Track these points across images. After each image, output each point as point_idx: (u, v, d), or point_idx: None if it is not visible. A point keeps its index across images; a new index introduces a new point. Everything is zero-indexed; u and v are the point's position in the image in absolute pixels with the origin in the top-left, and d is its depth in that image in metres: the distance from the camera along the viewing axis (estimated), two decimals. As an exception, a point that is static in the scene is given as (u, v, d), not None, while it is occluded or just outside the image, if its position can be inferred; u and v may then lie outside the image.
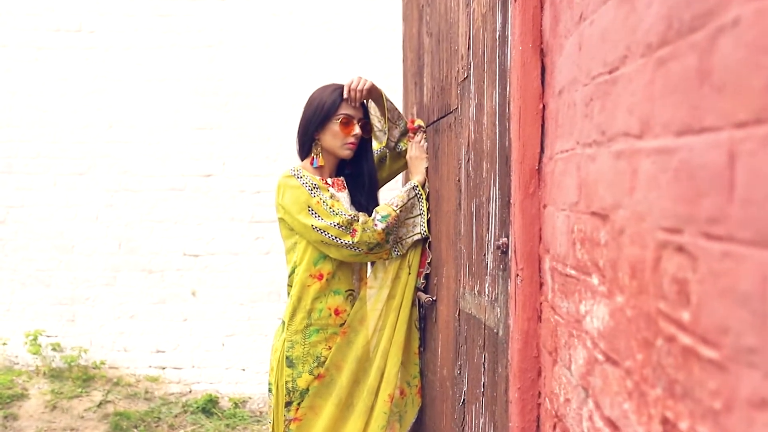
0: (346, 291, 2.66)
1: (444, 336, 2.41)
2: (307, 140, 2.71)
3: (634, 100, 0.91)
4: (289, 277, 2.71)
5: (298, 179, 2.61)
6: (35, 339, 5.09)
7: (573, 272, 1.24)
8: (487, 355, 1.81)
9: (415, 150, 2.77)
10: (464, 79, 2.12)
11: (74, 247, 5.27)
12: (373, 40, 5.33)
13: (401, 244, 2.68)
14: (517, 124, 1.51)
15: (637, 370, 0.90)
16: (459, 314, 2.17)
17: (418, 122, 2.82)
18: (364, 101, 2.75)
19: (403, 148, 2.83)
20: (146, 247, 5.29)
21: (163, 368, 5.29)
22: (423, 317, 2.75)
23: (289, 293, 2.71)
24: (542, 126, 1.50)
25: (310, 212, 2.56)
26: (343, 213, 2.55)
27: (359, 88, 2.62)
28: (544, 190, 1.48)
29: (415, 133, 2.81)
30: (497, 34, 1.73)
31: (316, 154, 2.73)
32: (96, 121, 5.28)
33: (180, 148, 5.29)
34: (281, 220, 2.69)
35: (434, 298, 2.55)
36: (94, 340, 5.27)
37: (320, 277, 2.62)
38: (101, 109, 5.28)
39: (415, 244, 2.70)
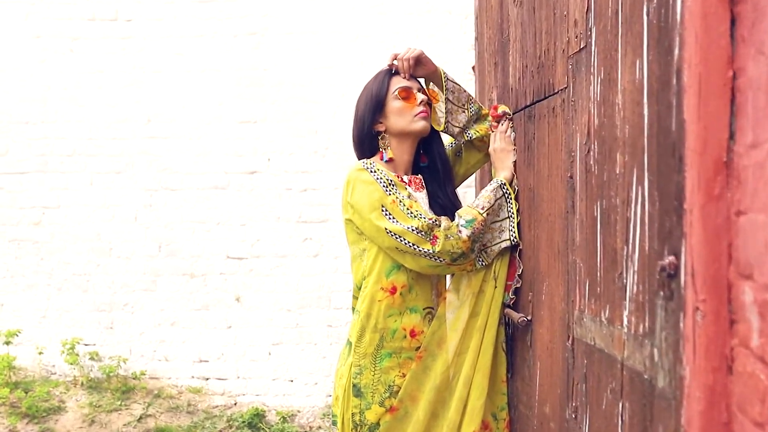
0: (424, 309, 2.26)
1: (546, 365, 1.99)
2: (367, 137, 2.35)
3: None
4: (356, 289, 2.32)
5: (372, 173, 2.22)
6: (72, 348, 4.80)
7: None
8: (628, 405, 1.39)
9: (500, 141, 2.36)
10: (580, 50, 1.70)
11: (112, 249, 4.96)
12: (429, 24, 4.92)
13: (486, 252, 2.27)
14: (696, 98, 1.09)
15: None
16: (573, 343, 1.75)
17: (503, 108, 2.41)
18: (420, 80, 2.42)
19: (474, 137, 2.43)
20: (187, 250, 4.96)
21: (207, 379, 4.96)
22: (511, 337, 2.34)
23: (354, 309, 2.32)
24: (732, 101, 1.08)
25: (384, 213, 2.17)
26: (423, 216, 2.16)
27: (407, 56, 2.32)
28: (738, 191, 1.06)
29: (498, 122, 2.40)
30: (645, -17, 1.30)
31: (384, 147, 2.35)
32: (134, 116, 4.97)
33: (222, 143, 4.95)
34: (348, 221, 2.30)
35: (529, 318, 2.14)
36: (134, 348, 4.96)
37: (393, 290, 2.23)
38: (139, 102, 4.97)
39: (501, 252, 2.29)
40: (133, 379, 4.88)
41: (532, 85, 2.13)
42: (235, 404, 4.90)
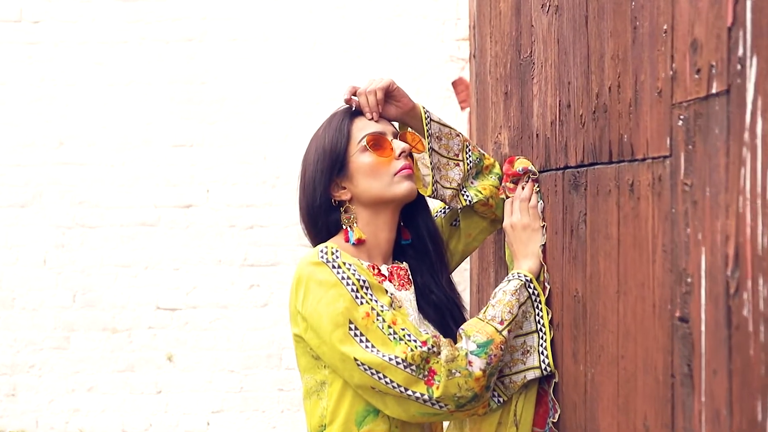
0: (412, 470, 1.50)
1: None
2: (322, 211, 1.60)
3: None
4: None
5: (334, 269, 1.45)
6: (-37, 422, 3.94)
7: None
8: None
9: (521, 213, 1.60)
10: (708, 96, 0.95)
11: (15, 299, 4.19)
12: (399, 30, 4.20)
13: (504, 383, 1.51)
14: None
15: None
16: None
17: (522, 163, 1.65)
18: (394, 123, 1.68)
19: (476, 200, 1.68)
20: (108, 299, 4.19)
21: (132, 455, 4.15)
22: (538, 507, 1.57)
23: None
24: None
25: (353, 334, 1.42)
26: (412, 337, 1.40)
27: (372, 88, 1.57)
28: None
29: (516, 183, 1.64)
30: None
31: (350, 224, 1.57)
32: (42, 138, 4.19)
33: (151, 171, 4.19)
34: (299, 339, 1.53)
35: (578, 503, 1.37)
36: (41, 419, 4.16)
37: (367, 446, 1.46)
38: (50, 121, 4.19)
39: (526, 384, 1.53)
40: (40, 458, 4.05)
41: (582, 137, 1.37)
42: (166, 486, 4.10)
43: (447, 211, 1.80)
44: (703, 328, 0.95)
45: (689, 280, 0.98)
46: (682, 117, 1.01)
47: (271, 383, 4.20)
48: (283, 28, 4.22)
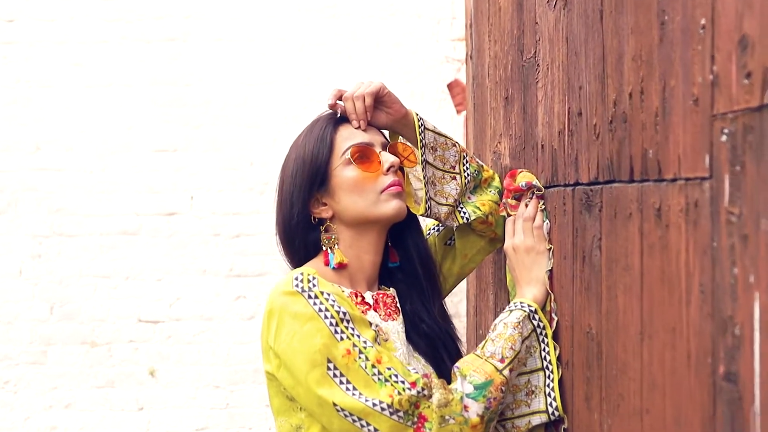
0: None
1: None
2: (300, 229, 1.42)
3: None
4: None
5: (310, 299, 1.27)
6: (-67, 442, 3.75)
7: None
8: None
9: (525, 234, 1.42)
10: (761, 107, 0.77)
11: None
12: (392, 30, 4.02)
13: (505, 428, 1.35)
14: None
15: None
16: None
17: (526, 177, 1.47)
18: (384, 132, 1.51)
19: (473, 218, 1.50)
20: (87, 312, 3.98)
21: (112, 475, 3.96)
22: None
23: None
24: None
25: (332, 374, 1.25)
26: (400, 378, 1.23)
27: (360, 92, 1.39)
28: None
29: (519, 199, 1.47)
30: None
31: (330, 245, 1.40)
32: (18, 142, 3.98)
33: (132, 177, 3.99)
34: (271, 377, 1.36)
35: None
36: (17, 438, 3.94)
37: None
38: (26, 125, 3.98)
39: (531, 429, 1.35)
40: (15, 478, 3.86)
41: (596, 150, 1.19)
42: (148, 508, 3.91)
43: (440, 229, 1.62)
44: (757, 392, 0.77)
45: (737, 331, 0.80)
46: (726, 131, 0.83)
47: (257, 399, 4.00)
48: (270, 28, 4.03)
